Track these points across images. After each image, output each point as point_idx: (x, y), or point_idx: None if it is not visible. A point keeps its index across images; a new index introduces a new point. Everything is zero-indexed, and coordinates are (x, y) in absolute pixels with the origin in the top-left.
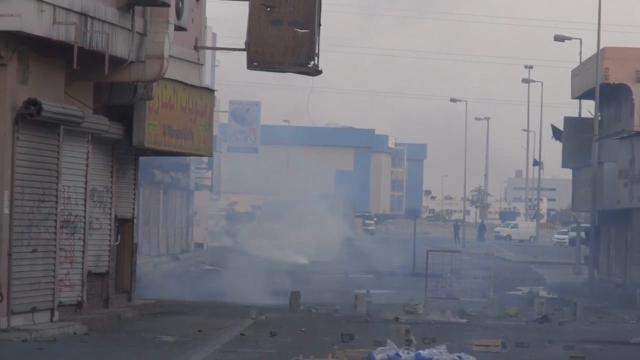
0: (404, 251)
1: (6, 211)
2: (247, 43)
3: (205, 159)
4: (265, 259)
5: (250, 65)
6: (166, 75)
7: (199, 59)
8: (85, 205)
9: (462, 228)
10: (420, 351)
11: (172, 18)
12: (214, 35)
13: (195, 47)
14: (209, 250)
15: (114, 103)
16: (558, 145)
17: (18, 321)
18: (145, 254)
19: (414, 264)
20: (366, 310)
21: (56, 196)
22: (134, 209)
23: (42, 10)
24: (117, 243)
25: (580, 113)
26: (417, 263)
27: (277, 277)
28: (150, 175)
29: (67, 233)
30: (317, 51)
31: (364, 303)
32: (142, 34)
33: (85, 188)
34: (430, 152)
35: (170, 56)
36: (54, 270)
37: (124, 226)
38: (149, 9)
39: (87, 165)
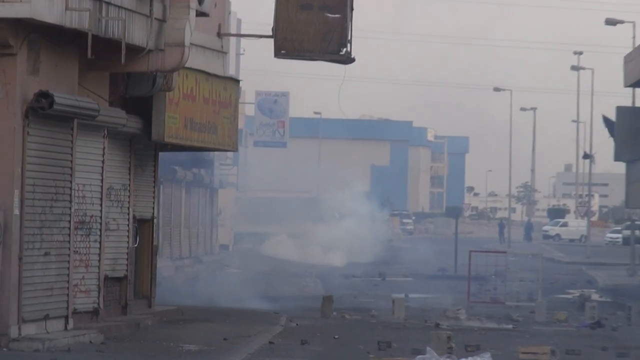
0: (445, 252)
1: (16, 212)
2: (275, 29)
3: (230, 154)
4: (296, 261)
5: (278, 54)
6: (187, 65)
7: (222, 46)
8: (101, 205)
9: (507, 227)
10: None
11: (194, 3)
12: (239, 21)
13: (219, 34)
14: (235, 253)
15: (131, 95)
16: (610, 137)
17: (30, 330)
18: (166, 256)
19: (455, 265)
20: (404, 315)
21: (70, 195)
22: (153, 208)
23: None
24: (135, 245)
25: (633, 102)
26: (459, 265)
27: (308, 281)
28: (171, 172)
29: (81, 235)
30: (349, 37)
31: (402, 308)
32: (161, 20)
33: (101, 186)
34: (473, 145)
35: (191, 44)
36: (68, 275)
37: (143, 227)
38: None
39: (103, 161)
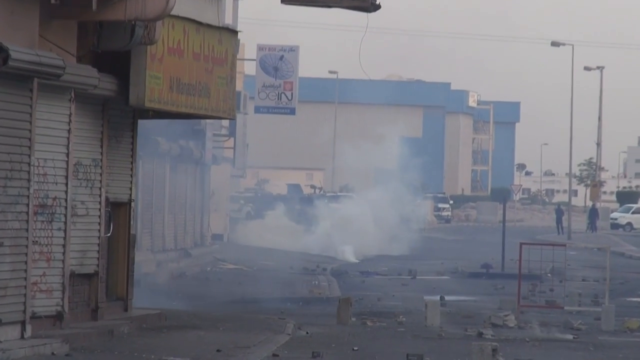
0: (490, 245)
1: None
2: None
3: (225, 122)
4: (306, 255)
5: None
6: (173, 12)
7: None
8: (66, 185)
9: (567, 214)
10: None
11: None
12: None
13: None
14: (231, 244)
15: (104, 49)
16: None
17: None
18: (146, 249)
19: (502, 261)
20: (440, 322)
21: (28, 173)
22: (131, 189)
23: None
24: (108, 234)
25: None
26: (507, 260)
27: (320, 279)
28: (153, 145)
29: (42, 221)
30: None
31: (436, 313)
32: None
33: (67, 162)
34: (525, 112)
35: None
36: (25, 271)
37: (118, 212)
38: None
39: (69, 131)
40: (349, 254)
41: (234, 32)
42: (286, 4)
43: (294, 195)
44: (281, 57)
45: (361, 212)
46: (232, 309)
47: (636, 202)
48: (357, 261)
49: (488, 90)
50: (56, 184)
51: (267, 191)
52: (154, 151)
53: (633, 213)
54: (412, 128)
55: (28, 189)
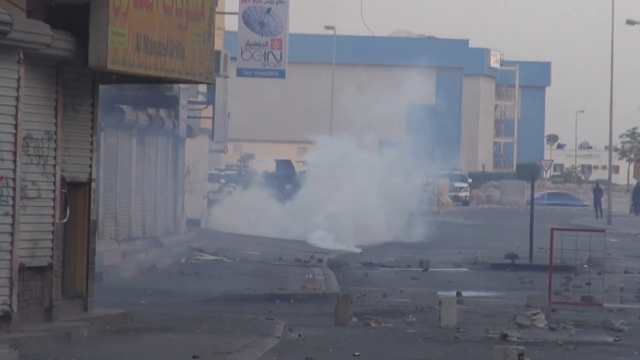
0: (515, 230)
1: None
2: None
3: (202, 88)
4: (297, 243)
5: None
6: None
7: None
8: (14, 162)
9: (606, 194)
10: None
11: None
12: None
13: None
14: (210, 231)
15: (59, 2)
16: None
17: None
18: (110, 237)
19: (530, 250)
20: (456, 322)
21: None
22: (91, 167)
23: None
24: (65, 220)
25: None
26: (536, 249)
27: (315, 272)
28: (117, 115)
29: None
30: None
31: (452, 312)
32: None
33: (15, 135)
34: (557, 74)
35: None
36: None
37: (76, 194)
38: None
39: (17, 98)
40: (321, 240)
41: None
42: None
43: (284, 173)
44: (268, 10)
45: (362, 193)
46: (211, 307)
47: None
48: (358, 251)
49: (513, 48)
50: (2, 160)
51: (252, 168)
52: (118, 122)
53: None
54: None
55: None
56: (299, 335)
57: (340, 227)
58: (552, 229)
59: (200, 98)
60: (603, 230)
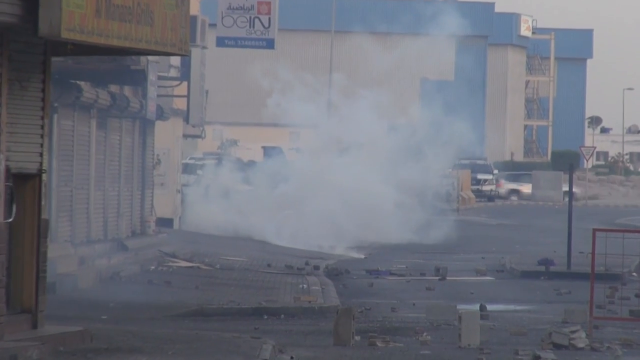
0: (550, 232)
1: None
2: None
3: (175, 60)
4: (288, 247)
5: None
6: None
7: None
8: None
9: None
10: None
11: None
12: None
13: None
14: (184, 233)
15: None
16: None
17: None
18: (64, 239)
19: (568, 255)
20: (479, 342)
21: None
22: (41, 155)
23: None
24: (10, 220)
25: None
26: (575, 254)
27: (310, 282)
28: (73, 93)
29: None
30: None
31: (475, 329)
32: None
33: None
34: (600, 45)
35: None
36: None
37: (24, 188)
38: None
39: None
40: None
41: None
42: None
43: (274, 162)
44: None
45: (366, 186)
46: (186, 324)
47: None
48: (364, 256)
49: (548, 13)
50: None
51: (235, 157)
52: (75, 101)
53: None
54: (440, 67)
55: None
56: (291, 358)
57: (339, 227)
58: (595, 230)
59: (173, 73)
60: None
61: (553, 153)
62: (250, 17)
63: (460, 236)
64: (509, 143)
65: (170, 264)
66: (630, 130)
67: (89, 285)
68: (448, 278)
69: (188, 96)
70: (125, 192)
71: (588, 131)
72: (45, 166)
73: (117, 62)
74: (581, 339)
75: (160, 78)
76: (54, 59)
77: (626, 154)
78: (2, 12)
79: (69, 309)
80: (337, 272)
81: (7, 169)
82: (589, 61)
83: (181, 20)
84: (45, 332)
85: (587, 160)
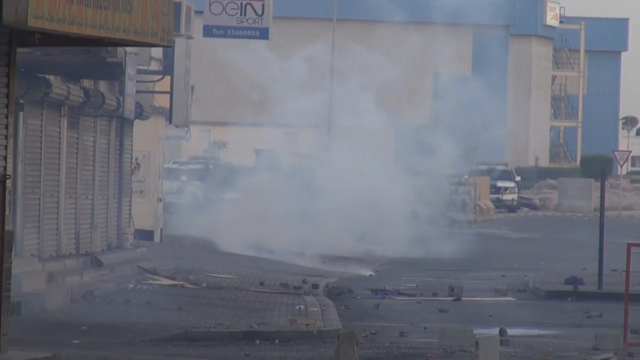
0: (579, 247)
1: None
2: None
3: (157, 52)
4: (285, 263)
5: None
6: None
7: None
8: None
9: None
10: None
11: None
12: None
13: None
14: (166, 246)
15: None
16: None
17: None
18: (31, 253)
19: (600, 273)
20: None
21: None
22: (5, 159)
23: None
24: None
25: None
26: (608, 272)
27: (309, 302)
28: (42, 88)
29: None
30: None
31: (494, 356)
32: None
33: None
34: (636, 37)
35: None
36: None
37: None
38: None
39: None
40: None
41: None
42: None
43: (267, 167)
44: None
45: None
46: (168, 349)
47: None
48: (368, 273)
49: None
50: None
51: (224, 161)
52: (43, 98)
53: None
54: (456, 60)
55: None
56: None
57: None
58: (629, 245)
59: (154, 66)
60: None
61: (583, 158)
62: (241, 4)
63: (477, 251)
64: (533, 146)
65: (151, 281)
66: None
67: (58, 305)
68: (464, 298)
69: (171, 92)
70: (100, 200)
71: (622, 133)
72: (9, 171)
73: (91, 53)
74: None
75: (139, 72)
76: (19, 50)
77: None
78: None
79: (36, 332)
80: (338, 292)
81: None
82: (623, 54)
83: (163, 6)
84: (9, 358)
85: (621, 166)
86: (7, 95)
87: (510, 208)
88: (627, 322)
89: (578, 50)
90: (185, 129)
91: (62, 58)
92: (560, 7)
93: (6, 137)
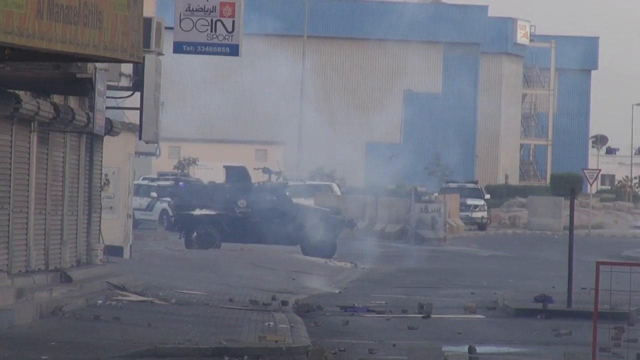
0: (549, 265)
1: None
2: None
3: (127, 68)
4: (254, 279)
5: None
6: None
7: None
8: None
9: None
10: None
11: None
12: None
13: None
14: (136, 263)
15: None
16: None
17: None
18: (0, 267)
19: (569, 291)
20: None
21: None
22: None
23: None
24: None
25: None
26: (577, 290)
27: (278, 318)
28: (10, 104)
29: None
30: None
31: None
32: None
33: None
34: (606, 55)
35: None
36: None
37: None
38: None
39: None
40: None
41: None
42: None
43: (237, 184)
44: None
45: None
46: None
47: None
48: (336, 291)
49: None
50: None
51: (194, 178)
52: (13, 114)
53: None
54: (425, 78)
55: None
56: None
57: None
58: (598, 263)
59: (124, 82)
60: None
61: (552, 176)
62: (212, 20)
63: (447, 269)
64: (503, 164)
65: (120, 297)
66: (639, 152)
67: (27, 321)
68: (433, 316)
69: (141, 109)
70: (70, 216)
71: (592, 152)
72: None
73: (61, 69)
74: None
75: (109, 88)
76: None
77: (635, 178)
78: None
79: (4, 347)
80: (308, 309)
81: None
82: (593, 73)
83: (133, 22)
84: None
85: (590, 185)
86: None
87: (480, 226)
88: (595, 341)
89: (548, 69)
90: (155, 145)
91: (31, 74)
92: (531, 26)
93: None
